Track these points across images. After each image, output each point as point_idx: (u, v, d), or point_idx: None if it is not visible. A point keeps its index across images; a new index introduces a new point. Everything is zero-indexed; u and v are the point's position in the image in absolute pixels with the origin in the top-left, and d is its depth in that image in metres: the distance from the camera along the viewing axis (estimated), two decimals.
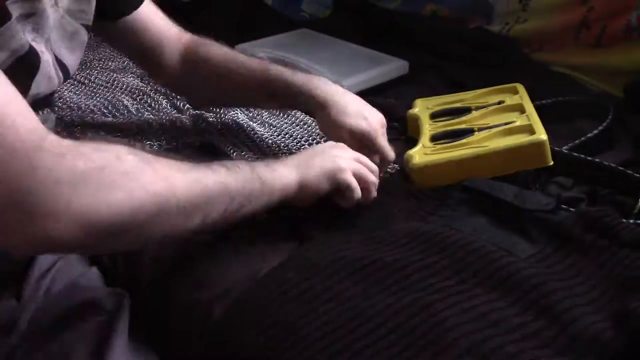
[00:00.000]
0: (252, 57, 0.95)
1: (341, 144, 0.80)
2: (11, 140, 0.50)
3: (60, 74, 0.72)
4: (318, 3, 1.58)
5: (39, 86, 0.68)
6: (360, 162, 0.77)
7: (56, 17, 0.70)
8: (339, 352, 0.57)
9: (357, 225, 0.75)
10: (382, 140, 0.86)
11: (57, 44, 0.71)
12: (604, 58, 1.22)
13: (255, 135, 0.98)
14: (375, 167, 0.79)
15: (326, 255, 0.67)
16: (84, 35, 0.76)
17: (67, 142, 0.53)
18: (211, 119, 1.03)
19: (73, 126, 1.00)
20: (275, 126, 1.03)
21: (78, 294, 0.69)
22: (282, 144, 0.97)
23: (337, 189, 0.74)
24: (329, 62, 1.21)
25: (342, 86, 1.11)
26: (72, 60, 0.75)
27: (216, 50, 0.94)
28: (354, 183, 0.75)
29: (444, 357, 0.55)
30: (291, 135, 1.00)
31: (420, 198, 0.80)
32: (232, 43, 1.29)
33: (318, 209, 0.77)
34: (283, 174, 0.70)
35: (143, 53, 0.91)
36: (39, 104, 0.70)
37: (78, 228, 0.51)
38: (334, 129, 0.85)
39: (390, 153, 0.86)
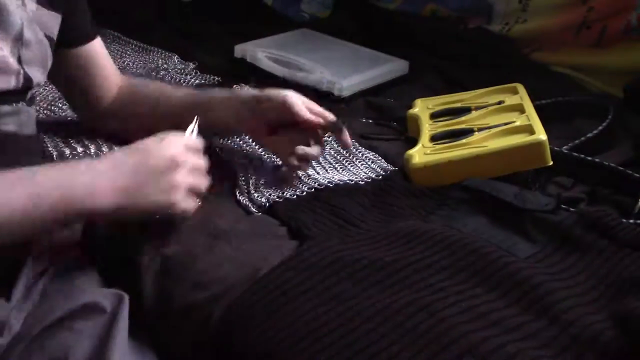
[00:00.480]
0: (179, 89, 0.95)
1: (175, 145, 0.69)
2: None
3: (22, 76, 0.71)
4: (318, 3, 1.58)
5: None
6: (194, 169, 0.70)
7: (25, 17, 0.71)
8: (339, 352, 0.57)
9: (356, 225, 0.75)
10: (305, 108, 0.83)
11: (28, 48, 0.71)
12: (604, 58, 1.22)
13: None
14: (202, 165, 0.72)
15: (326, 256, 0.67)
16: (47, 47, 0.76)
17: None
18: None
19: (73, 126, 0.99)
20: None
21: (77, 295, 0.68)
22: None
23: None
24: (329, 62, 1.21)
25: (342, 86, 1.11)
26: (36, 68, 0.74)
27: (148, 84, 0.96)
28: (188, 209, 0.69)
29: (444, 356, 0.55)
30: None
31: (420, 198, 0.80)
32: (232, 43, 1.29)
33: (318, 210, 0.77)
34: (103, 199, 0.64)
35: (82, 86, 0.90)
36: (5, 96, 0.70)
37: None
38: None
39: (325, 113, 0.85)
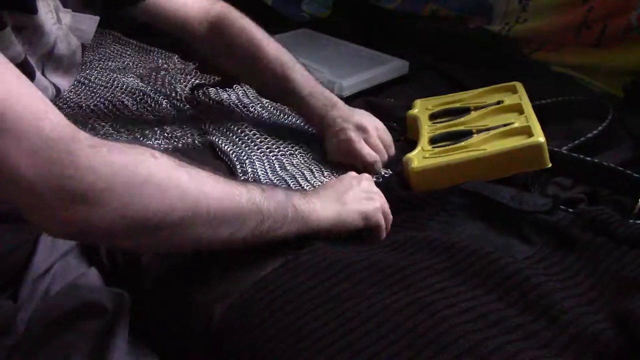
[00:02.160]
0: (277, 56, 0.96)
1: (365, 175, 0.80)
2: (47, 130, 0.51)
3: (52, 90, 0.73)
4: (318, 3, 1.58)
5: None
6: (380, 197, 0.78)
7: (61, 35, 0.71)
8: (339, 352, 0.57)
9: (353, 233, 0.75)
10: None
11: (56, 61, 0.72)
12: (604, 58, 1.22)
13: (256, 135, 0.98)
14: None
15: (326, 257, 0.67)
16: (79, 56, 0.76)
17: (100, 139, 0.55)
18: (211, 120, 1.03)
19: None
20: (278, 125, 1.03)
21: (78, 295, 0.69)
22: (283, 144, 0.97)
23: (366, 226, 0.75)
24: (329, 62, 1.21)
25: (342, 86, 1.11)
26: (65, 80, 0.75)
27: (241, 40, 0.95)
28: (384, 225, 0.75)
29: (444, 357, 0.56)
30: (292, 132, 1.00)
31: (418, 204, 0.80)
32: None
33: None
34: (317, 208, 0.70)
35: (169, 35, 0.92)
36: None
37: (111, 217, 0.53)
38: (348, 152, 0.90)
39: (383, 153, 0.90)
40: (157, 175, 0.56)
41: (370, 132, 0.91)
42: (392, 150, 0.93)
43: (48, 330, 0.65)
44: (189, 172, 0.59)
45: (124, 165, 0.54)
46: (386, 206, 0.77)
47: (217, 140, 0.96)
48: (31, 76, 0.67)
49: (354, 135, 0.90)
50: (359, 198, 0.74)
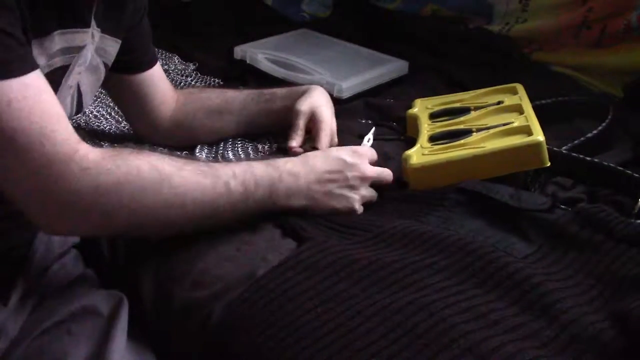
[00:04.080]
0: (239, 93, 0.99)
1: (363, 155, 0.80)
2: (48, 149, 0.59)
3: (75, 105, 0.74)
4: (318, 3, 1.58)
5: None
6: (371, 178, 0.79)
7: (92, 49, 0.74)
8: (339, 351, 0.57)
9: (354, 226, 0.75)
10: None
11: (84, 75, 0.73)
12: (604, 58, 1.22)
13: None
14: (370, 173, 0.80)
15: (325, 256, 0.67)
16: (102, 72, 0.78)
17: (94, 155, 0.61)
18: None
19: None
20: None
21: (75, 298, 0.68)
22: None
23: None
24: (329, 62, 1.21)
25: (341, 88, 1.12)
26: (89, 95, 0.78)
27: (206, 93, 1.00)
28: (359, 212, 0.77)
29: (444, 356, 0.55)
30: None
31: (417, 200, 0.80)
32: (232, 43, 1.29)
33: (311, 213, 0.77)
34: (293, 198, 0.73)
35: (143, 109, 0.93)
36: None
37: (95, 228, 0.64)
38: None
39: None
40: (139, 192, 0.63)
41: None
42: None
43: (45, 334, 0.65)
44: (170, 184, 0.64)
45: (107, 188, 0.61)
46: (373, 197, 0.79)
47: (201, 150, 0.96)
48: (57, 85, 0.69)
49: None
50: (343, 194, 0.76)
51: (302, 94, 0.92)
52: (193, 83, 1.18)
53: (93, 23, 0.72)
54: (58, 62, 0.68)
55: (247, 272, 0.68)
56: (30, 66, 0.59)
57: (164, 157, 0.66)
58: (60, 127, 0.60)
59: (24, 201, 0.61)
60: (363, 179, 0.77)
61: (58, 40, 0.66)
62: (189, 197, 0.65)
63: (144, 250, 0.74)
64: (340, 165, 0.75)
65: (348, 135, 0.97)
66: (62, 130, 0.60)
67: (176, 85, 1.16)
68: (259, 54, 1.23)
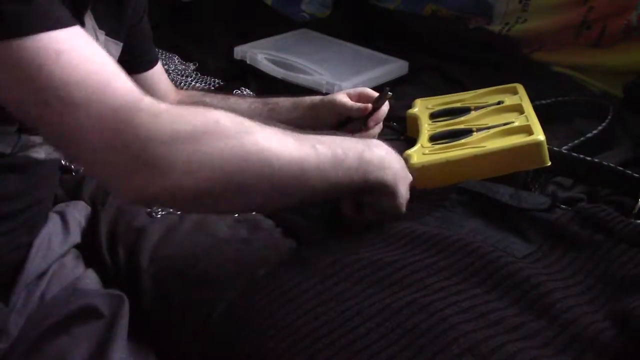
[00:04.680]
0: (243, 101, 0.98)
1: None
2: (111, 98, 0.52)
3: None
4: (318, 3, 1.58)
5: None
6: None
7: (101, 41, 0.72)
8: (339, 352, 0.57)
9: (354, 225, 0.75)
10: None
11: None
12: (604, 58, 1.22)
13: None
14: None
15: (325, 256, 0.67)
16: (117, 54, 0.78)
17: (164, 105, 0.55)
18: None
19: None
20: None
21: (75, 299, 0.68)
22: None
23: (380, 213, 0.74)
24: (329, 62, 1.21)
25: (341, 89, 1.11)
26: None
27: (210, 97, 0.99)
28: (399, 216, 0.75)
29: (444, 356, 0.55)
30: None
31: (417, 199, 0.80)
32: (232, 43, 1.29)
33: (316, 210, 0.77)
34: (383, 177, 0.68)
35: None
36: None
37: (175, 183, 0.53)
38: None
39: None
40: (220, 142, 0.55)
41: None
42: None
43: (46, 334, 0.65)
44: (252, 133, 0.58)
45: (184, 135, 0.53)
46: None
47: None
48: None
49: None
50: (406, 187, 0.73)
51: (311, 103, 0.93)
52: (193, 83, 1.18)
53: (95, 25, 0.71)
54: None
55: (247, 273, 0.68)
56: (74, 22, 0.55)
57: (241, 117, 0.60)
58: (119, 79, 0.54)
59: (91, 161, 0.54)
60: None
61: None
62: (274, 153, 0.57)
63: (144, 251, 0.74)
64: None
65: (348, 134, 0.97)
66: (122, 81, 0.54)
67: (176, 85, 1.16)
68: (259, 54, 1.23)
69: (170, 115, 0.54)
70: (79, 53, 0.53)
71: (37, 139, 0.69)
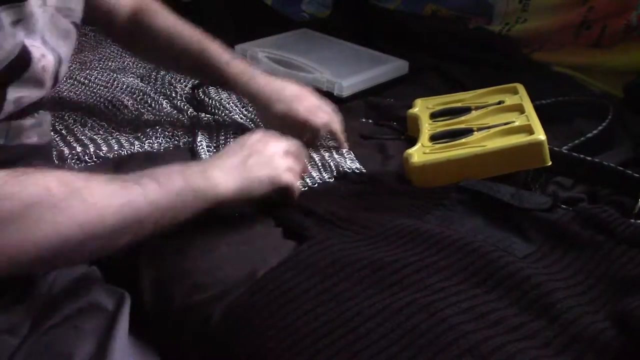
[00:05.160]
0: (194, 34, 0.97)
1: (270, 133, 0.79)
2: None
3: (55, 57, 0.71)
4: (318, 3, 1.58)
5: (22, 90, 0.67)
6: (292, 153, 0.77)
7: (46, 17, 0.69)
8: (339, 352, 0.57)
9: (354, 224, 0.75)
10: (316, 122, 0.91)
11: (52, 42, 0.71)
12: (604, 58, 1.22)
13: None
14: (303, 151, 0.80)
15: (325, 256, 0.67)
16: (74, 34, 0.75)
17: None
18: (211, 120, 1.03)
19: (74, 126, 1.00)
20: None
21: (79, 295, 0.69)
22: None
23: (276, 190, 0.74)
24: (329, 61, 1.21)
25: (342, 86, 1.11)
26: (65, 63, 0.75)
27: (160, 21, 0.97)
28: (294, 184, 0.75)
29: (444, 357, 0.55)
30: None
31: (417, 198, 0.80)
32: (232, 43, 1.29)
33: (316, 209, 0.77)
34: (219, 182, 0.69)
35: (94, 16, 0.91)
36: (30, 108, 0.70)
37: (5, 261, 0.54)
38: (266, 119, 0.92)
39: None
40: (48, 215, 0.56)
41: (307, 96, 0.93)
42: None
43: (53, 329, 0.65)
44: (83, 198, 0.58)
45: (14, 213, 0.54)
46: (297, 165, 0.77)
47: (202, 140, 0.96)
48: (27, 62, 0.66)
49: (294, 105, 0.91)
50: (264, 162, 0.73)
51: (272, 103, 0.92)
52: (194, 81, 1.18)
53: None
54: (21, 42, 0.64)
55: (247, 273, 0.68)
56: None
57: (70, 173, 0.61)
58: None
59: None
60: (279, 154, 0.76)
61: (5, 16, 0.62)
62: (108, 209, 0.59)
63: (144, 252, 0.74)
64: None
65: (349, 134, 0.97)
66: None
67: (177, 84, 1.16)
68: (259, 52, 1.23)
69: (1, 196, 0.54)
70: None
71: (26, 122, 0.69)
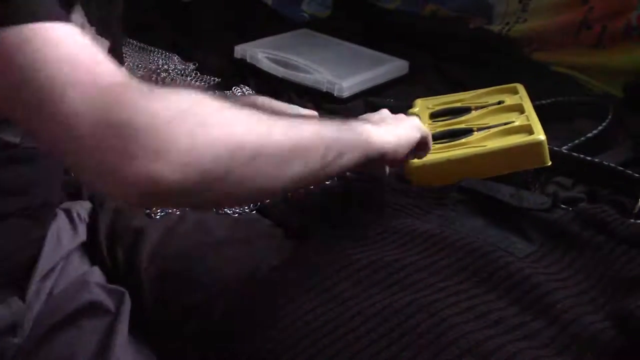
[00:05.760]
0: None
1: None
2: (100, 78, 0.47)
3: None
4: (318, 3, 1.58)
5: None
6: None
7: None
8: (339, 352, 0.57)
9: (355, 224, 0.75)
10: None
11: None
12: (604, 58, 1.22)
13: None
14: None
15: (325, 256, 0.67)
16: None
17: (152, 86, 0.50)
18: None
19: None
20: None
21: (81, 294, 0.69)
22: None
23: (422, 137, 0.77)
24: (329, 62, 1.21)
25: (342, 87, 1.11)
26: None
27: None
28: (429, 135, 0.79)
29: (444, 356, 0.55)
30: None
31: (417, 198, 0.80)
32: (232, 43, 1.29)
33: (316, 209, 0.77)
34: (379, 133, 0.69)
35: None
36: None
37: (177, 165, 0.46)
38: None
39: None
40: (217, 117, 0.50)
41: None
42: None
43: (55, 329, 0.66)
44: (248, 111, 0.54)
45: (182, 109, 0.48)
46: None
47: None
48: None
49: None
50: (401, 119, 0.76)
51: None
52: (193, 83, 1.18)
53: (85, 22, 0.70)
54: None
55: (246, 273, 0.68)
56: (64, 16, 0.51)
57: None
58: (105, 60, 0.49)
59: (79, 151, 0.47)
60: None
61: None
62: (276, 125, 0.55)
63: (143, 252, 0.74)
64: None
65: None
66: (109, 62, 0.49)
67: (176, 84, 1.16)
68: (259, 53, 1.23)
69: (162, 93, 0.48)
70: (66, 41, 0.48)
71: None
